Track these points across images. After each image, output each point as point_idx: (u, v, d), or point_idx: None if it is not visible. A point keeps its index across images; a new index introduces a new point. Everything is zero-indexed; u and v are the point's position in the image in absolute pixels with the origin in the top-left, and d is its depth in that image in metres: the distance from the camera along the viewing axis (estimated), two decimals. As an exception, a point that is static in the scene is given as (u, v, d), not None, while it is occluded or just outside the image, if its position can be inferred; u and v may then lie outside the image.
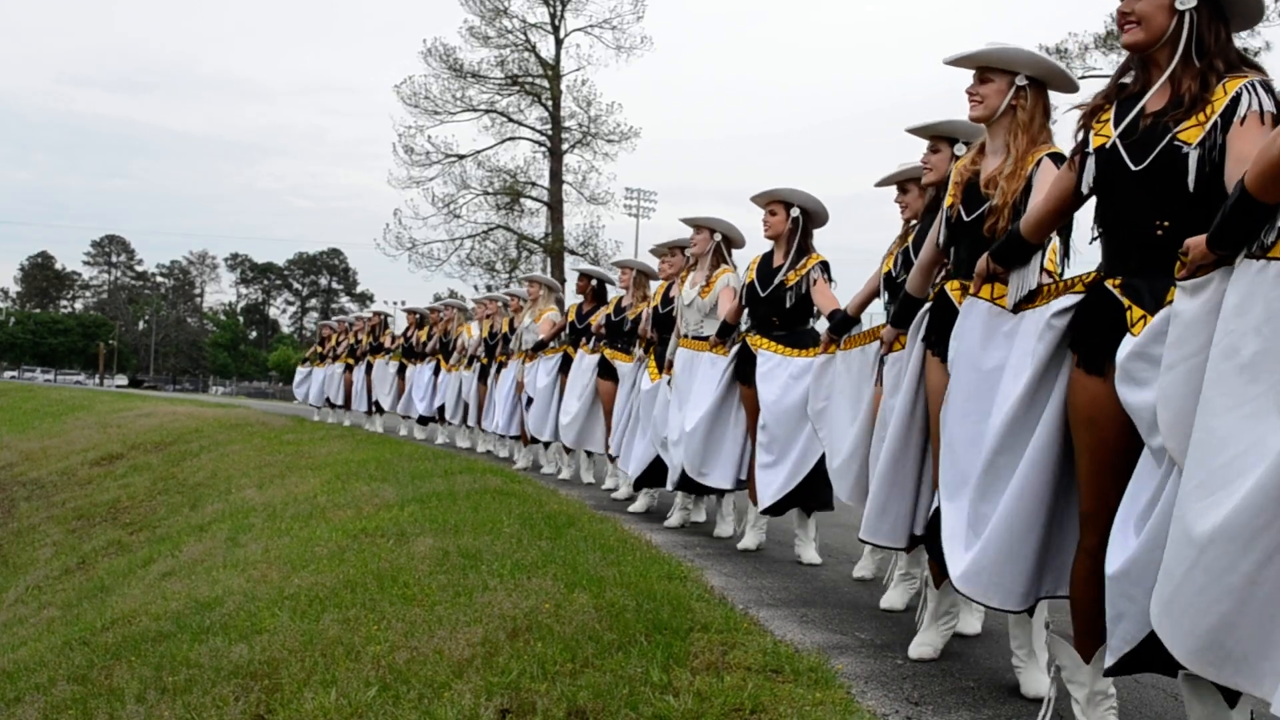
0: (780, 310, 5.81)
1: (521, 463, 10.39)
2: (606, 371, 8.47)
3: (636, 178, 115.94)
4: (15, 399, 28.04)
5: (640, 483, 7.40)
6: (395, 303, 16.27)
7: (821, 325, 5.41)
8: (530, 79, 36.24)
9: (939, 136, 4.35)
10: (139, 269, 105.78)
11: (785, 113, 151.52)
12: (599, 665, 3.53)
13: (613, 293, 9.20)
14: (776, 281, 5.79)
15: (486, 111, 36.27)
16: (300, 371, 17.71)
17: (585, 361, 8.84)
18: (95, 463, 15.33)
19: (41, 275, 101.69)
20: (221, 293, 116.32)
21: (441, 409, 12.88)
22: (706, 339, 6.36)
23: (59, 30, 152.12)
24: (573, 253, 35.29)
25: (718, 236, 6.63)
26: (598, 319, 8.77)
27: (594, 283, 9.42)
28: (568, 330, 9.52)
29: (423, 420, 13.72)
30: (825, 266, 5.76)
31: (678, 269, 7.36)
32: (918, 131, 4.44)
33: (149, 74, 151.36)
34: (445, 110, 35.90)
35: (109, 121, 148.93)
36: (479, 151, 36.42)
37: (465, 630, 3.99)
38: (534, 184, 36.53)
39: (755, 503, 5.85)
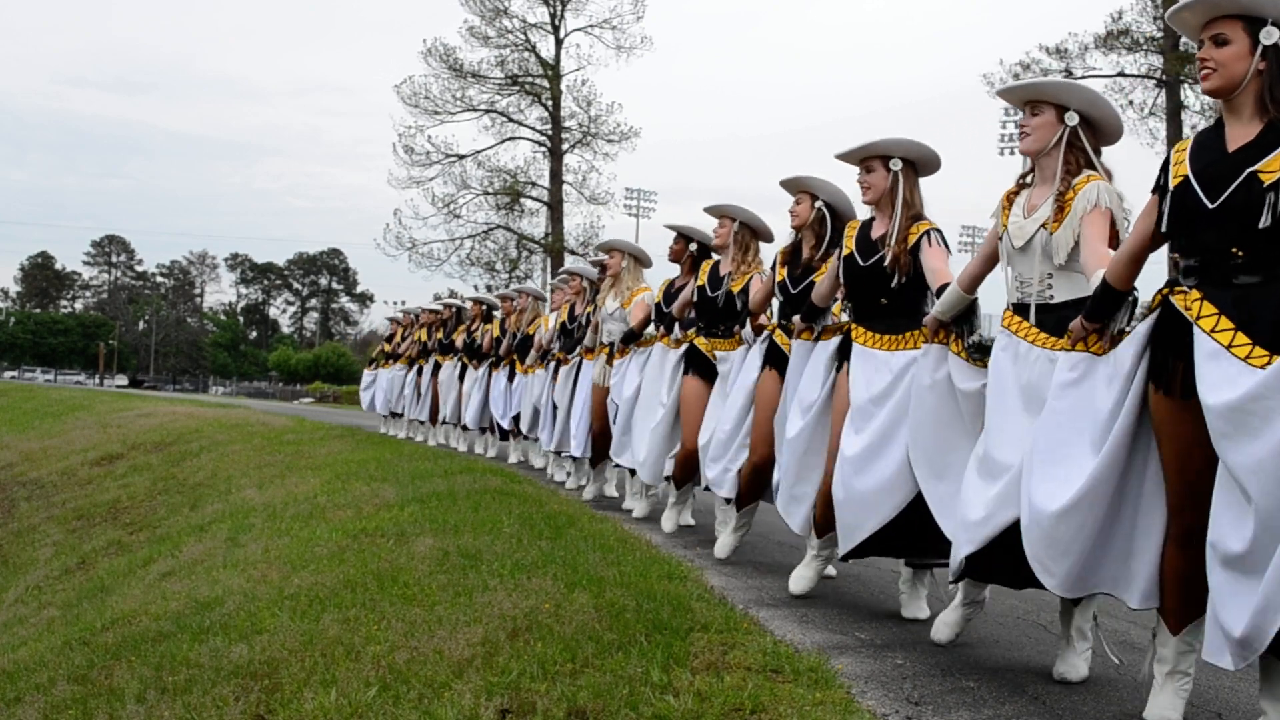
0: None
1: (590, 492, 8.18)
2: (698, 367, 6.27)
3: (636, 178, 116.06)
4: (15, 399, 28.06)
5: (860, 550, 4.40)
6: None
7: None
8: (530, 79, 36.32)
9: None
10: (139, 269, 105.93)
11: (784, 113, 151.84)
12: (599, 665, 3.53)
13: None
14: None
15: (486, 111, 36.38)
16: (366, 375, 15.87)
17: (668, 359, 6.57)
18: (95, 463, 15.32)
19: (41, 275, 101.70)
20: (221, 293, 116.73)
21: (517, 419, 10.37)
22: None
23: (54, 31, 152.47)
24: (572, 253, 35.32)
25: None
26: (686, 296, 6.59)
27: (693, 247, 6.82)
28: (653, 315, 7.20)
29: (504, 434, 11.19)
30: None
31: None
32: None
33: (145, 74, 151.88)
34: (445, 110, 36.04)
35: (105, 122, 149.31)
36: (479, 151, 36.57)
37: (465, 630, 3.99)
38: (534, 184, 36.62)
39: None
